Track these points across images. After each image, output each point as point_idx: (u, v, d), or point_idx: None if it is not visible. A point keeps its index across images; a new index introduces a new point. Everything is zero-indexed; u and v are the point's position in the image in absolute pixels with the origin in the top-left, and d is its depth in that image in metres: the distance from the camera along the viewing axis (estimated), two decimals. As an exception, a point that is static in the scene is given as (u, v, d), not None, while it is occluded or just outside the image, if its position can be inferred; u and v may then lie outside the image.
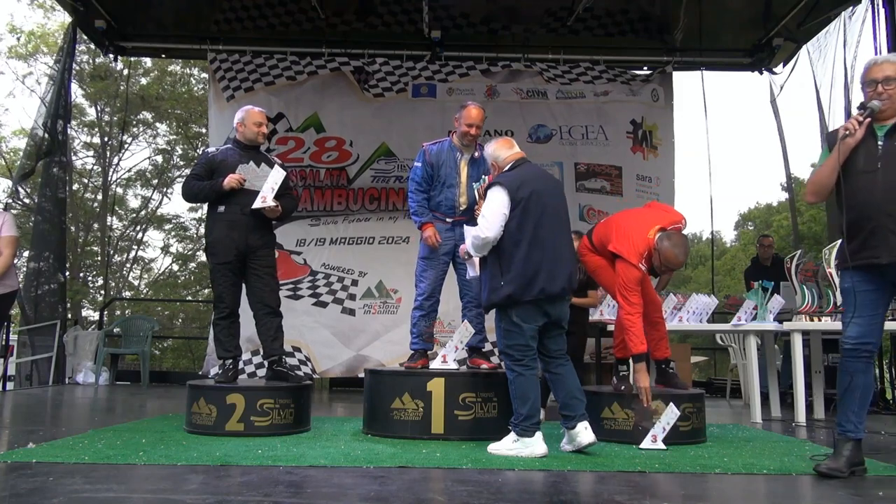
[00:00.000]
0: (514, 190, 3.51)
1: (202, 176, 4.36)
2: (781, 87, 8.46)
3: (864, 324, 3.07)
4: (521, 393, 3.51)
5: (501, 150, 3.78)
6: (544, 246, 3.48)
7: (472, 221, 4.12)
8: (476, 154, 4.48)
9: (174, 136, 17.60)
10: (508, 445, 3.49)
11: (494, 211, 3.50)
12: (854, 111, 3.12)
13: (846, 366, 3.12)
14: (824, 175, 3.15)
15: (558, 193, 3.75)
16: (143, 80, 16.14)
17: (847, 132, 3.03)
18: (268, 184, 4.25)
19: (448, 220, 4.46)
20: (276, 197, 4.26)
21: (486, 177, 4.11)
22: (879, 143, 3.05)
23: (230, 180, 4.22)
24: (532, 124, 8.34)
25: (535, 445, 3.44)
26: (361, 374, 4.44)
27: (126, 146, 16.90)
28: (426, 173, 4.46)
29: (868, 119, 3.04)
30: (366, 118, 8.26)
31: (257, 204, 4.21)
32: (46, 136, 7.86)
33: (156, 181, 17.96)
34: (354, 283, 7.91)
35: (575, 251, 3.81)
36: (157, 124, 17.38)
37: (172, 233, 18.91)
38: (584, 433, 3.50)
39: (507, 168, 3.72)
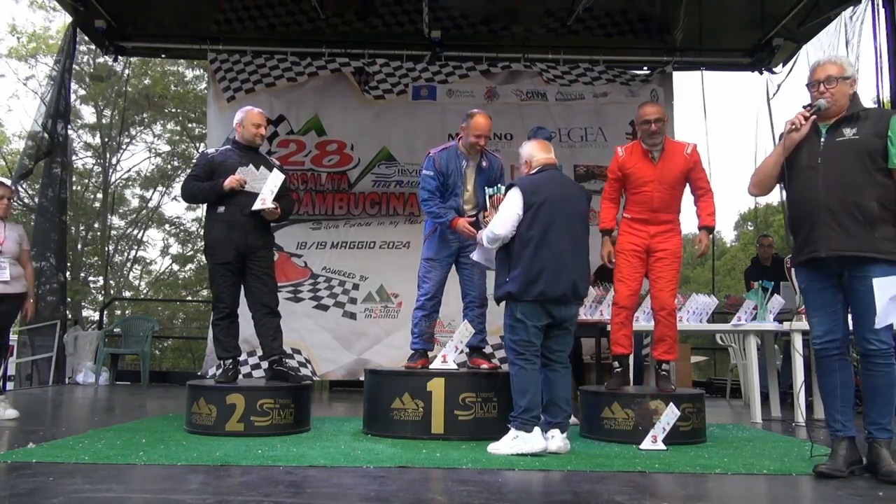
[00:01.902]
0: (528, 193, 3.63)
1: (201, 177, 4.37)
2: (778, 87, 8.45)
3: (824, 321, 3.13)
4: (521, 386, 3.57)
5: (538, 152, 3.89)
6: (551, 250, 3.57)
7: (476, 225, 4.25)
8: (484, 164, 4.49)
9: (175, 137, 17.60)
10: (508, 443, 3.52)
11: (509, 210, 3.65)
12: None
13: (819, 366, 3.18)
14: (768, 166, 3.26)
15: (577, 203, 3.79)
16: (146, 81, 16.14)
17: (792, 126, 3.13)
18: (267, 186, 4.26)
19: (450, 236, 4.47)
20: (275, 198, 4.27)
21: (504, 187, 4.10)
22: (822, 139, 3.13)
23: (230, 181, 4.23)
24: (531, 127, 8.31)
25: (533, 441, 3.48)
26: (362, 378, 4.45)
27: (124, 147, 16.91)
28: (439, 182, 4.43)
29: (814, 116, 3.13)
30: (366, 121, 8.25)
31: (257, 206, 4.22)
32: (46, 136, 7.87)
33: (155, 181, 17.96)
34: (355, 286, 7.92)
35: (587, 258, 3.83)
36: (158, 124, 17.39)
37: (171, 233, 18.93)
38: (551, 440, 3.54)
39: (534, 171, 3.82)
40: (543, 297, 3.55)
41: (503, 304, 3.74)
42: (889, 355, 2.98)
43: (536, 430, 3.51)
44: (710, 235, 4.36)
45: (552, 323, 3.64)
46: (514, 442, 3.50)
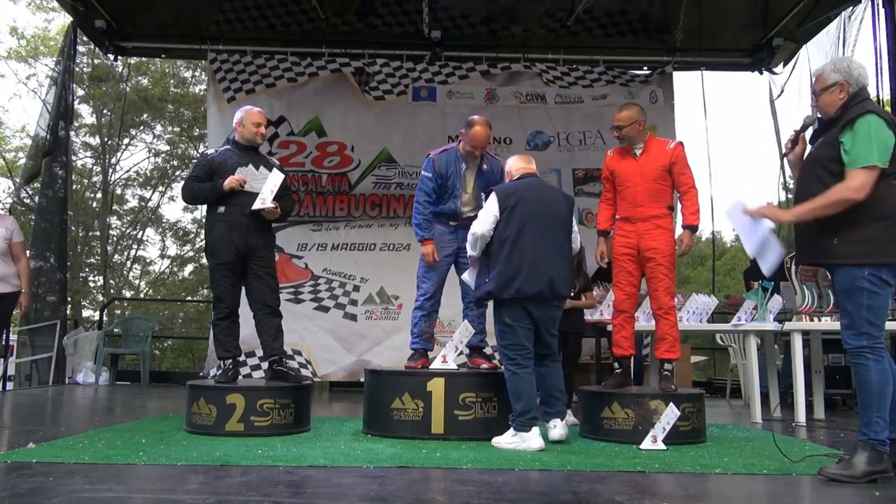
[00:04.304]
0: (503, 197, 3.83)
1: (201, 178, 4.36)
2: (782, 90, 8.43)
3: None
4: (516, 390, 3.74)
5: (517, 163, 4.10)
6: (526, 250, 3.73)
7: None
8: (485, 167, 4.51)
9: (175, 137, 17.60)
10: (508, 439, 3.72)
11: (486, 212, 3.87)
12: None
13: None
14: None
15: (555, 207, 3.92)
16: (144, 82, 16.13)
17: (786, 149, 3.29)
18: (267, 186, 4.26)
19: (451, 223, 4.52)
20: (275, 198, 4.27)
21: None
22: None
23: (230, 182, 4.23)
24: (531, 130, 8.33)
25: (531, 440, 3.63)
26: (362, 379, 4.45)
27: (123, 147, 16.91)
28: (437, 185, 4.46)
29: (802, 133, 3.24)
30: (367, 122, 8.26)
31: (257, 205, 4.22)
32: (48, 136, 7.89)
33: (154, 181, 17.96)
34: (356, 288, 7.93)
35: (566, 259, 3.95)
36: (158, 125, 17.39)
37: (170, 234, 18.93)
38: (553, 430, 3.82)
39: (514, 178, 4.02)
40: (521, 293, 3.69)
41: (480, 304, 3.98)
42: (859, 355, 2.98)
43: (535, 430, 3.65)
44: (694, 235, 4.34)
45: (536, 325, 3.82)
46: (514, 439, 3.69)
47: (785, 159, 3.33)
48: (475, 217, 4.40)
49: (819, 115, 3.19)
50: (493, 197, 3.88)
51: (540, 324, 3.83)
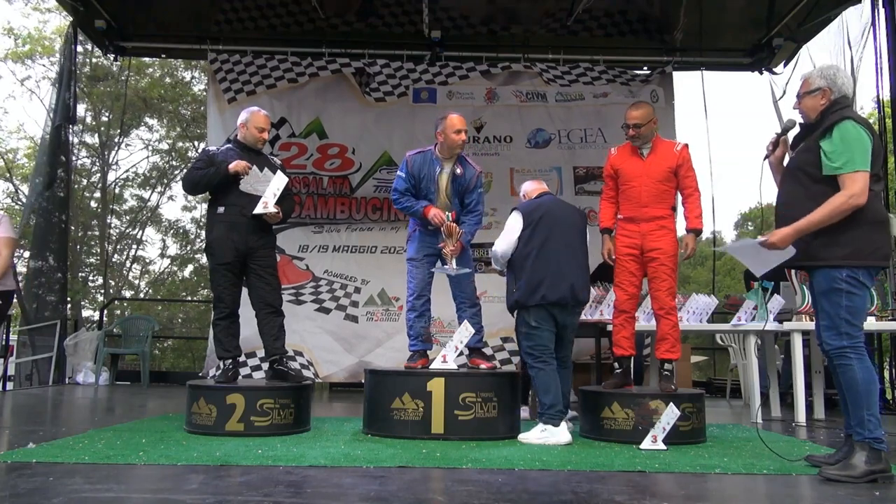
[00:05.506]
0: (527, 213, 4.11)
1: (203, 169, 4.32)
2: (785, 91, 8.41)
3: (818, 323, 3.19)
4: (543, 385, 3.95)
5: (531, 185, 4.46)
6: (549, 260, 3.99)
7: (441, 258, 4.49)
8: (458, 171, 4.51)
9: (174, 136, 17.60)
10: (537, 435, 3.88)
11: (508, 231, 4.13)
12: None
13: None
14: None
15: (573, 218, 4.22)
16: (144, 83, 16.12)
17: (767, 151, 3.35)
18: (270, 189, 4.23)
19: (430, 227, 4.50)
20: (277, 201, 4.25)
21: (451, 213, 4.39)
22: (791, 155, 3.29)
23: (235, 165, 4.18)
24: (531, 128, 8.33)
25: (560, 434, 3.84)
26: (363, 380, 4.46)
27: (117, 146, 16.89)
28: (409, 185, 4.53)
29: (783, 136, 3.31)
30: (368, 125, 8.25)
31: (259, 210, 4.20)
32: (50, 137, 7.88)
33: (154, 181, 17.96)
34: (357, 290, 7.95)
35: (585, 267, 4.18)
36: (157, 125, 17.39)
37: (170, 233, 18.93)
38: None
39: (532, 198, 4.30)
40: (546, 300, 3.94)
41: (514, 312, 4.16)
42: (841, 355, 3.01)
43: (563, 424, 3.88)
44: (697, 238, 4.33)
45: (557, 331, 4.05)
46: (543, 434, 3.86)
47: (766, 162, 3.36)
48: (456, 221, 4.45)
49: (801, 120, 3.24)
50: (516, 215, 4.11)
51: (563, 328, 4.08)
